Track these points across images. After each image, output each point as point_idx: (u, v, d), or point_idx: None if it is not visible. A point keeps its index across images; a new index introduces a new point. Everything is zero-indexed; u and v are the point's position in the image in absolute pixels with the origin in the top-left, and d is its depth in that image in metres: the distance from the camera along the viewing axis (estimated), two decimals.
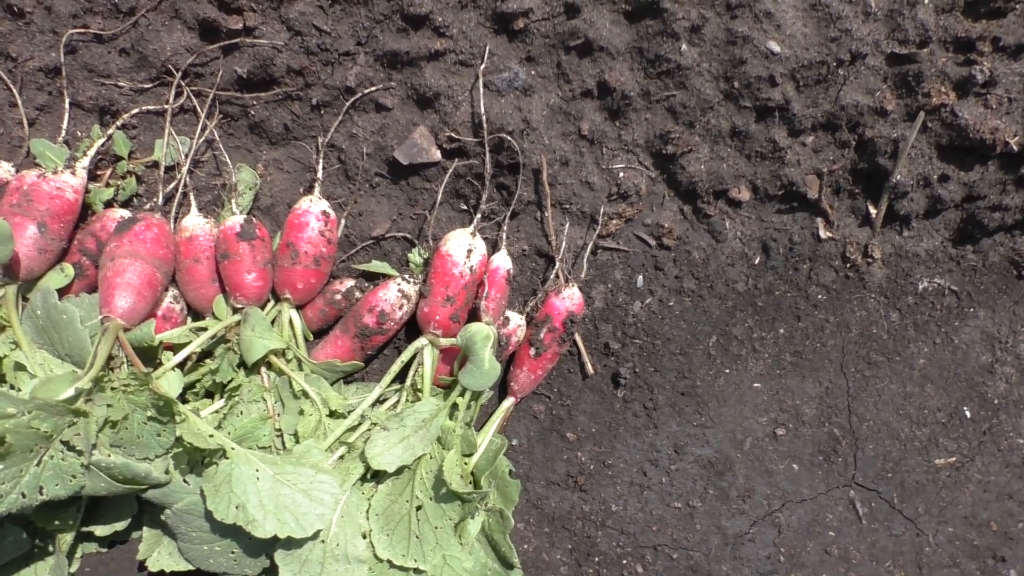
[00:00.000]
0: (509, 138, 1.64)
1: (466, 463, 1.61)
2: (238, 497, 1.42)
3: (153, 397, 1.48)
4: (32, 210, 1.57)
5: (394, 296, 1.66)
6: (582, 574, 1.74)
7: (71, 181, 1.63)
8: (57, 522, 1.56)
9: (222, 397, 1.66)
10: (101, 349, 1.47)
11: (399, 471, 1.59)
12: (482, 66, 1.65)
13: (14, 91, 1.72)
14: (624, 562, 1.74)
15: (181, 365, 1.60)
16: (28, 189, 1.60)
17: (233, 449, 1.46)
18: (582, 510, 1.76)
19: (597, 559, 1.74)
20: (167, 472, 1.50)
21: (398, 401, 1.68)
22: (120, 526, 1.61)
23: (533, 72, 1.68)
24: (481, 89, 1.65)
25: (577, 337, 1.76)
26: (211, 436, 1.47)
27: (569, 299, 1.66)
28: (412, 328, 1.75)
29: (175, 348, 1.63)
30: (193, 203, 1.73)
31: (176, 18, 1.70)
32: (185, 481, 1.50)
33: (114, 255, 1.57)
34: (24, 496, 1.36)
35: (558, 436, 1.78)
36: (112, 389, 1.49)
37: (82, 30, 1.70)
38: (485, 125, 1.64)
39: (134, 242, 1.58)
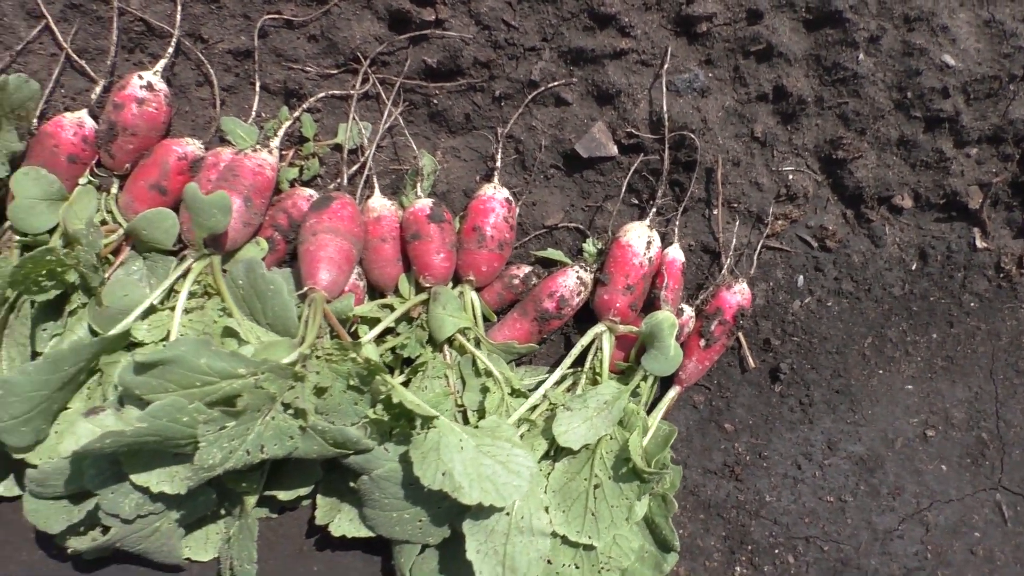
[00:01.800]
0: (692, 136, 1.71)
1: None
2: (445, 465, 1.47)
3: (356, 367, 1.54)
4: (238, 184, 1.64)
5: (573, 283, 1.72)
6: (734, 561, 1.79)
7: (269, 159, 1.70)
8: (244, 484, 1.62)
9: (401, 373, 1.71)
10: (313, 318, 1.54)
11: (575, 450, 1.65)
12: (664, 66, 1.72)
13: (211, 71, 1.79)
14: (776, 551, 1.79)
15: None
16: (233, 164, 1.66)
17: (439, 418, 1.51)
18: (737, 499, 1.82)
19: (750, 547, 1.79)
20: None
21: (574, 383, 1.73)
22: (303, 491, 1.66)
23: (711, 74, 1.75)
24: (664, 89, 1.72)
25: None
26: (416, 404, 1.52)
27: (740, 294, 1.73)
28: (579, 315, 1.80)
29: (366, 321, 1.69)
30: (376, 185, 1.79)
31: (367, 8, 1.77)
32: (385, 449, 1.56)
33: (315, 230, 1.63)
34: (248, 453, 1.42)
35: (716, 426, 1.84)
36: (316, 358, 1.55)
37: (275, 16, 1.77)
38: (666, 123, 1.71)
39: (333, 219, 1.64)
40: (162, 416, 1.34)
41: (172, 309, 1.60)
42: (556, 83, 1.76)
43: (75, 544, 1.55)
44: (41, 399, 1.45)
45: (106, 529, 1.55)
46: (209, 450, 1.36)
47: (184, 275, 1.64)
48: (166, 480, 1.49)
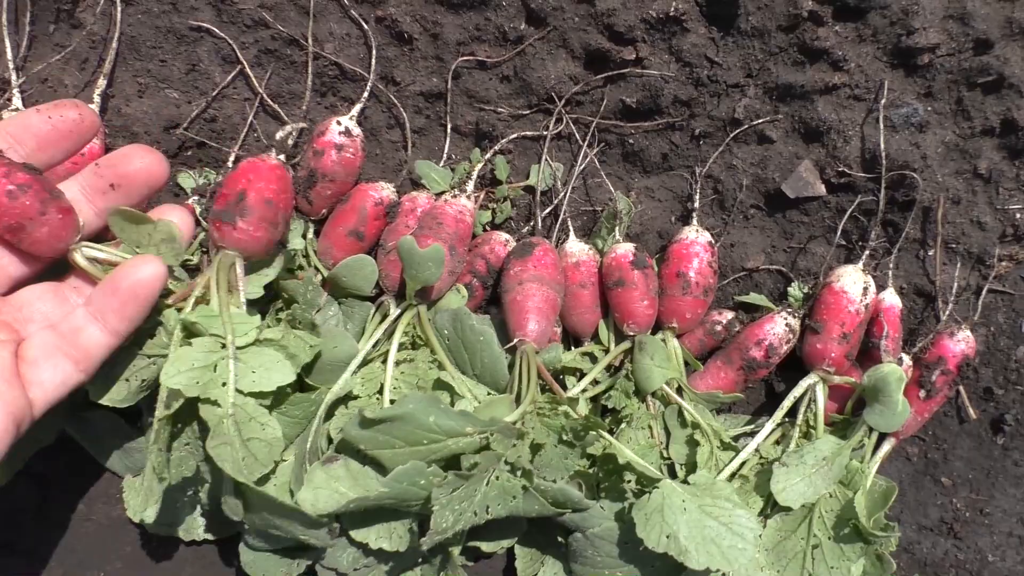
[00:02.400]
0: (914, 175, 1.61)
1: None
2: (669, 527, 1.42)
3: (570, 421, 1.50)
4: (442, 233, 1.62)
5: (781, 330, 1.65)
6: None
7: (468, 205, 1.67)
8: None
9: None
10: (529, 373, 1.50)
11: (787, 508, 1.58)
12: (882, 101, 1.63)
13: (404, 114, 1.78)
14: None
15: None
16: (435, 212, 1.64)
17: (663, 480, 1.46)
18: (956, 558, 1.71)
19: None
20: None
21: (783, 436, 1.66)
22: (507, 543, 1.64)
23: (930, 108, 1.65)
24: (881, 125, 1.62)
25: None
26: (639, 463, 1.48)
27: (964, 341, 1.62)
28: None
29: (566, 371, 1.65)
30: (571, 229, 1.75)
31: (562, 47, 1.73)
32: (601, 507, 1.52)
33: (521, 279, 1.60)
34: (475, 515, 1.40)
35: (932, 480, 1.74)
36: (529, 412, 1.51)
37: (469, 57, 1.75)
38: (884, 161, 1.62)
39: (538, 267, 1.61)
40: (404, 480, 1.33)
41: (382, 361, 1.59)
42: (760, 120, 1.68)
43: None
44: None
45: None
46: (443, 513, 1.34)
47: (392, 326, 1.62)
48: (385, 537, 1.48)
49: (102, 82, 1.78)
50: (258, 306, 1.59)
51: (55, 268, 1.44)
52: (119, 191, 1.43)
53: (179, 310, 1.44)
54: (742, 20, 1.65)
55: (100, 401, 1.44)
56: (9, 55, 1.80)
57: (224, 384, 1.34)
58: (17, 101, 1.77)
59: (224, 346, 1.36)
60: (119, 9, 1.78)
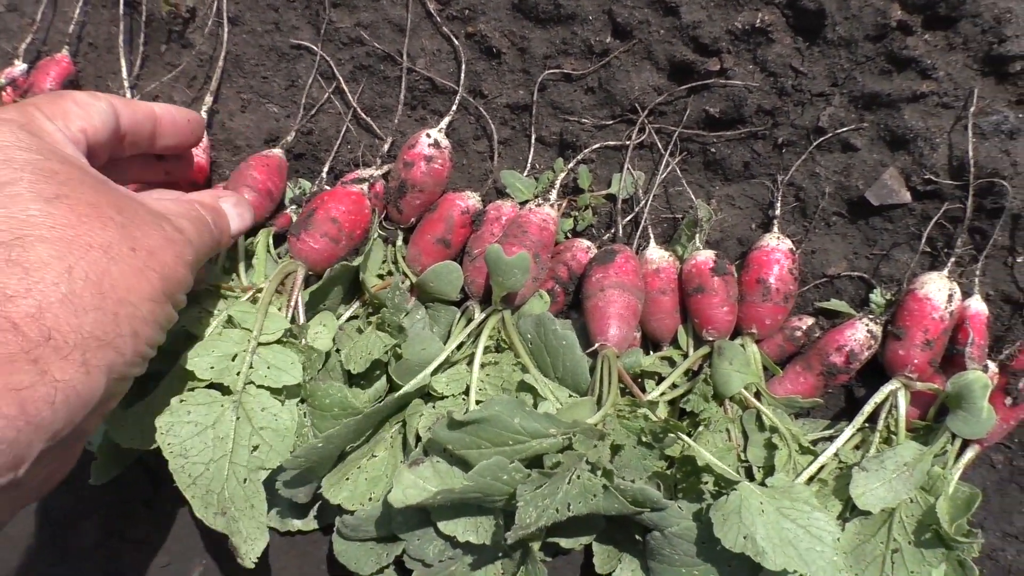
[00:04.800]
0: (1003, 182, 1.60)
1: None
2: (746, 528, 1.45)
3: (650, 423, 1.54)
4: (527, 240, 1.68)
5: (863, 336, 1.66)
6: None
7: (552, 214, 1.73)
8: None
9: None
10: (610, 377, 1.56)
11: (866, 512, 1.59)
12: (971, 109, 1.62)
13: (491, 126, 1.85)
14: None
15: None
16: (520, 220, 1.71)
17: (742, 482, 1.50)
18: None
19: None
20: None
21: (862, 441, 1.67)
22: (586, 540, 1.68)
23: (1021, 115, 1.63)
24: (970, 133, 1.61)
25: None
26: (717, 465, 1.51)
27: None
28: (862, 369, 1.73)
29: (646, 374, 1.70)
30: (651, 236, 1.79)
31: (647, 59, 1.77)
32: (679, 507, 1.56)
33: (603, 285, 1.65)
34: (557, 511, 1.46)
35: (1018, 488, 1.72)
36: (610, 414, 1.57)
37: (555, 70, 1.80)
38: (972, 169, 1.61)
39: (619, 273, 1.66)
40: (487, 475, 1.40)
41: (468, 363, 1.66)
42: (845, 129, 1.69)
43: None
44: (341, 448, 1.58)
45: (406, 572, 1.64)
46: (527, 509, 1.40)
47: (477, 329, 1.70)
48: (471, 530, 1.55)
49: (208, 99, 1.90)
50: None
51: None
52: None
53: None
54: (829, 30, 1.66)
55: None
56: (124, 74, 1.94)
57: (238, 374, 1.45)
58: None
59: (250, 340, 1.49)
60: (226, 29, 1.90)
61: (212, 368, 1.45)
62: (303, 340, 1.56)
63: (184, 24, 2.00)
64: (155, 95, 2.02)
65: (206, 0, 1.95)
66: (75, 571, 1.92)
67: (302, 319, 1.61)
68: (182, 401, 1.43)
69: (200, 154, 1.88)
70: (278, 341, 1.53)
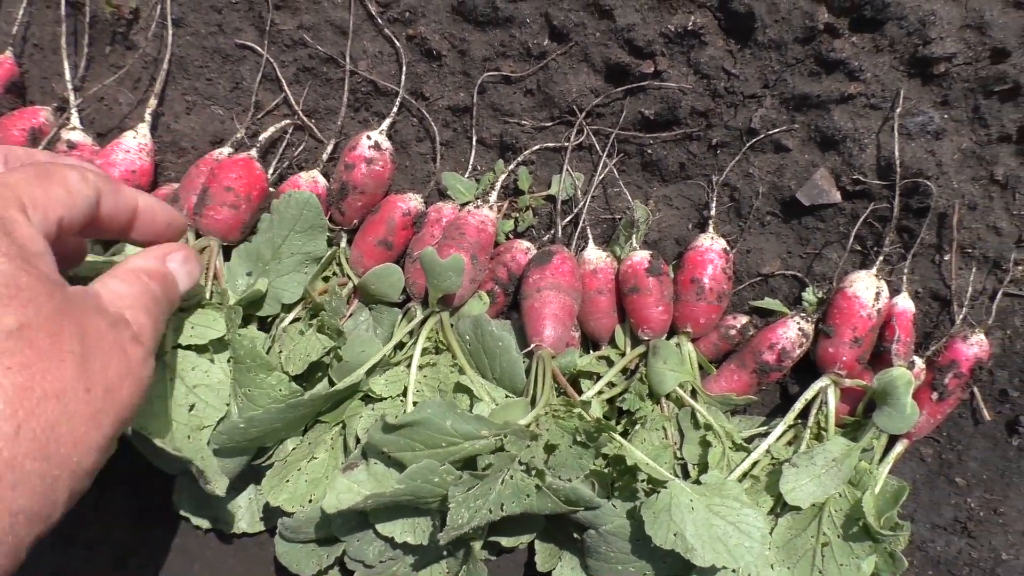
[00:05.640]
0: (927, 182, 1.64)
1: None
2: (676, 526, 1.48)
3: (583, 423, 1.57)
4: (464, 243, 1.70)
5: (794, 334, 1.69)
6: None
7: (490, 215, 1.75)
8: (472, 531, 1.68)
9: (617, 423, 1.73)
10: (544, 377, 1.58)
11: (797, 507, 1.62)
12: (897, 110, 1.65)
13: (434, 128, 1.87)
14: None
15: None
16: (458, 223, 1.73)
17: (672, 481, 1.53)
18: (970, 556, 1.74)
19: None
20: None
21: (795, 437, 1.70)
22: (527, 539, 1.72)
23: (946, 116, 1.66)
24: (896, 133, 1.65)
25: None
26: (647, 464, 1.54)
27: (977, 345, 1.64)
28: (794, 364, 1.76)
29: (583, 374, 1.72)
30: (591, 237, 1.82)
31: (584, 61, 1.79)
32: (613, 505, 1.59)
33: (539, 286, 1.67)
34: (490, 512, 1.48)
35: (946, 480, 1.76)
36: (545, 416, 1.59)
37: (494, 72, 1.82)
38: (898, 169, 1.64)
39: (556, 274, 1.68)
40: (417, 478, 1.42)
41: (407, 365, 1.68)
42: (777, 130, 1.72)
43: None
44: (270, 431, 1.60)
45: (349, 573, 1.66)
46: (459, 510, 1.42)
47: (416, 331, 1.71)
48: (409, 531, 1.58)
49: (153, 100, 1.91)
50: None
51: None
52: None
53: None
54: (759, 33, 1.68)
55: None
56: (68, 76, 1.94)
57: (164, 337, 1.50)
58: (75, 120, 1.91)
59: (183, 310, 1.54)
60: (170, 31, 1.90)
61: None
62: (225, 303, 1.60)
63: (128, 25, 1.99)
64: (100, 96, 2.02)
65: (149, 1, 1.94)
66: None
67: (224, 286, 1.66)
68: None
69: (145, 158, 1.88)
70: (199, 305, 1.56)
